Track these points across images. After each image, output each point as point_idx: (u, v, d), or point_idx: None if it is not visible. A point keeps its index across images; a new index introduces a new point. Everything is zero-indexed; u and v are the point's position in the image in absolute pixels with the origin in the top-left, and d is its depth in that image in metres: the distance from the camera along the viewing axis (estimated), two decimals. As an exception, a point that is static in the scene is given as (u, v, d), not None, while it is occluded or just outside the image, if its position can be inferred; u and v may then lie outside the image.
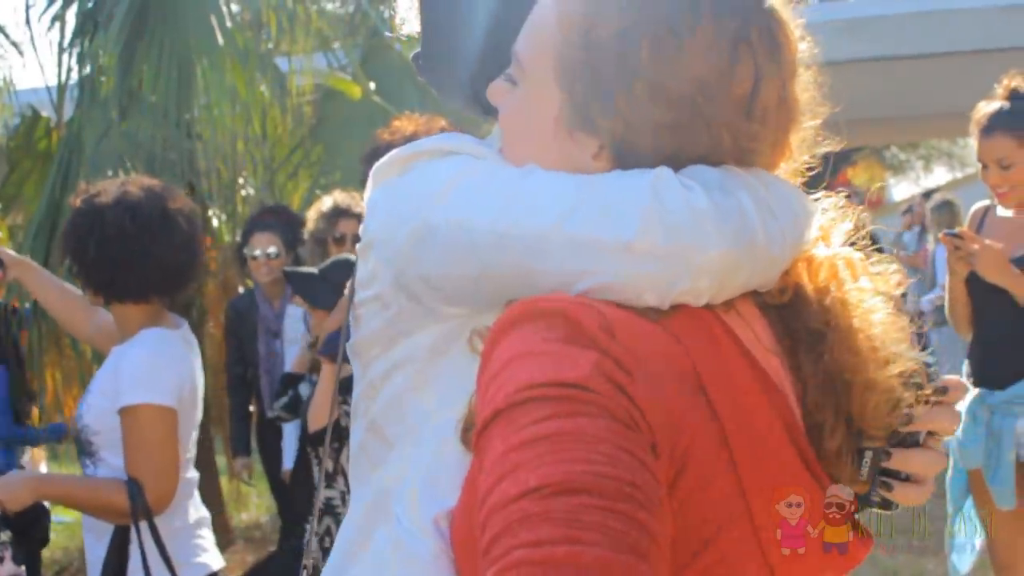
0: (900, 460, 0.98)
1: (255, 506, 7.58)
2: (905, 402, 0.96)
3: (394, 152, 1.18)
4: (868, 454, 0.97)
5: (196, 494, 2.75)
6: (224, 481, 7.04)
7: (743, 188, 0.98)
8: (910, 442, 0.98)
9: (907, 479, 0.99)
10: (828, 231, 1.07)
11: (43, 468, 7.84)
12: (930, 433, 1.00)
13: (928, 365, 1.01)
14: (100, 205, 2.55)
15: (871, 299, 1.01)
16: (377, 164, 1.19)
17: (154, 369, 2.52)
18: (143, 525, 2.43)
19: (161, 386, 2.49)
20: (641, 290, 0.94)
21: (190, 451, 2.67)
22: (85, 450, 2.59)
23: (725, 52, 0.95)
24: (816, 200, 1.08)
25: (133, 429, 2.46)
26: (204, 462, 6.50)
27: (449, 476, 1.08)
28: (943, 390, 1.00)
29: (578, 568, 0.73)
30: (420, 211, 1.07)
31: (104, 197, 2.56)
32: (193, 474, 2.72)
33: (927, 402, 0.98)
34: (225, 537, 6.73)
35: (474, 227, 1.03)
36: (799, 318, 1.00)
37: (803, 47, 1.03)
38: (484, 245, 1.02)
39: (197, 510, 2.71)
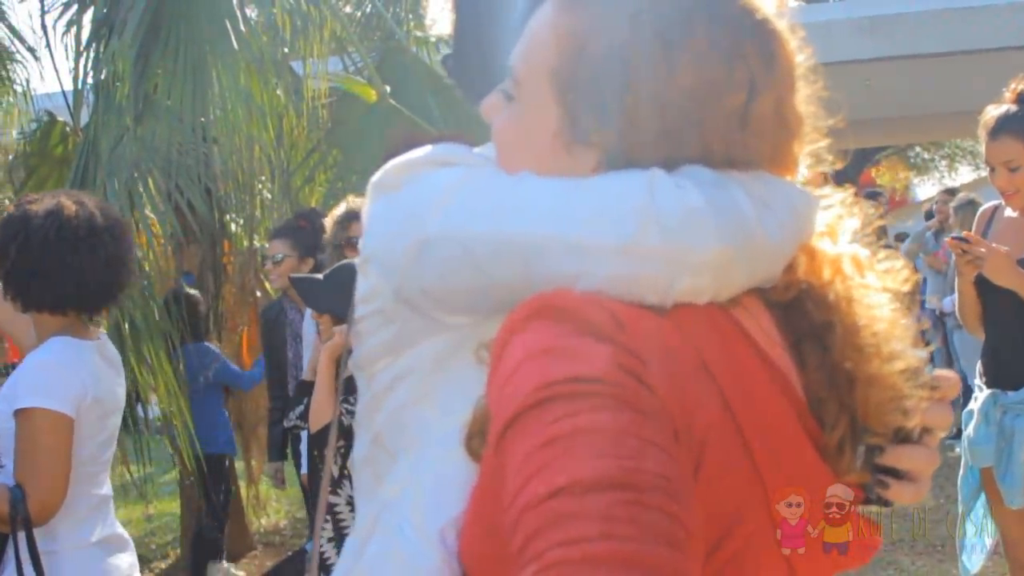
0: (893, 456, 0.97)
1: (275, 511, 7.58)
2: (910, 399, 0.96)
3: (390, 165, 1.17)
4: (862, 449, 0.96)
5: (109, 513, 2.68)
6: (243, 486, 7.04)
7: (736, 184, 0.97)
8: (903, 438, 0.97)
9: (904, 477, 0.97)
10: (835, 227, 1.06)
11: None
12: (925, 430, 0.98)
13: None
14: (30, 213, 2.55)
15: (876, 296, 1.01)
16: (374, 178, 1.18)
17: (53, 375, 2.49)
18: (21, 535, 2.37)
19: (58, 392, 2.46)
20: (642, 291, 0.93)
21: (98, 465, 2.62)
22: None
23: (719, 64, 0.95)
24: (823, 196, 1.06)
25: (24, 433, 2.42)
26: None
27: (455, 487, 1.08)
28: (935, 385, 0.99)
29: (617, 564, 0.73)
30: (416, 224, 1.07)
31: (37, 206, 2.56)
32: (105, 490, 2.67)
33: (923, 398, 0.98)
34: (244, 542, 6.75)
35: (470, 237, 1.03)
36: (803, 314, 0.99)
37: (801, 59, 1.02)
38: (481, 255, 1.02)
39: (107, 528, 2.64)
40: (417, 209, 1.08)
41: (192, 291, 6.10)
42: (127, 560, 2.68)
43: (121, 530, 2.70)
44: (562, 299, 0.90)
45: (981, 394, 3.59)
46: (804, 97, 1.03)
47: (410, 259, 1.08)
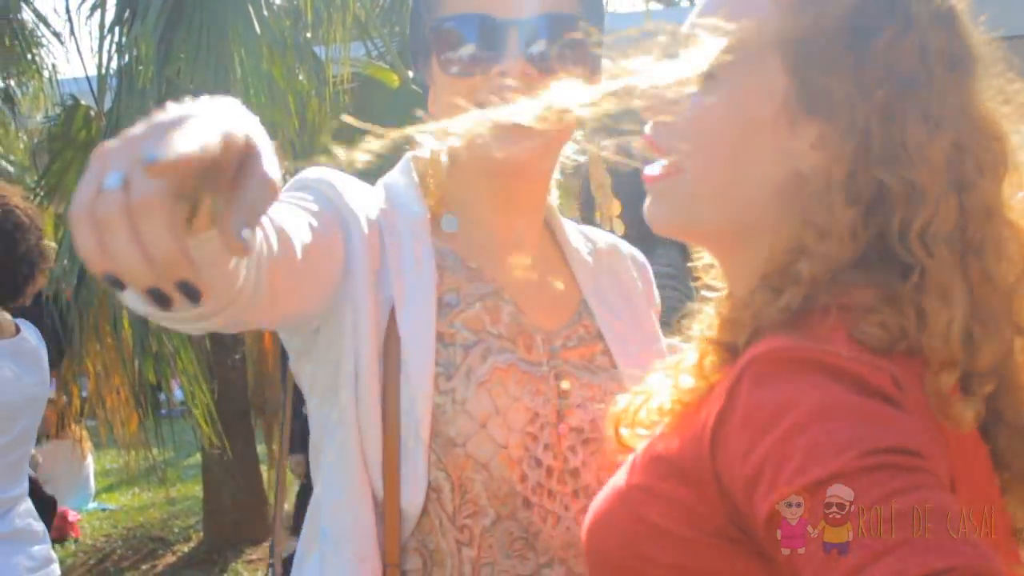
0: None
1: (297, 495, 7.60)
2: None
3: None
4: None
5: (12, 511, 2.68)
6: (264, 470, 7.06)
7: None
8: None
9: None
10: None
11: (89, 459, 7.96)
12: None
13: None
14: None
15: None
16: None
17: None
18: None
19: None
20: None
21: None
22: None
23: (945, 38, 0.94)
24: None
25: None
26: (245, 452, 6.55)
27: (338, 470, 1.22)
28: None
29: None
30: None
31: None
32: (16, 491, 2.68)
33: None
34: (265, 526, 6.77)
35: None
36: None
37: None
38: None
39: (6, 525, 2.64)
40: None
41: None
42: (34, 552, 2.68)
43: (31, 525, 2.71)
44: (820, 352, 0.88)
45: None
46: None
47: None
